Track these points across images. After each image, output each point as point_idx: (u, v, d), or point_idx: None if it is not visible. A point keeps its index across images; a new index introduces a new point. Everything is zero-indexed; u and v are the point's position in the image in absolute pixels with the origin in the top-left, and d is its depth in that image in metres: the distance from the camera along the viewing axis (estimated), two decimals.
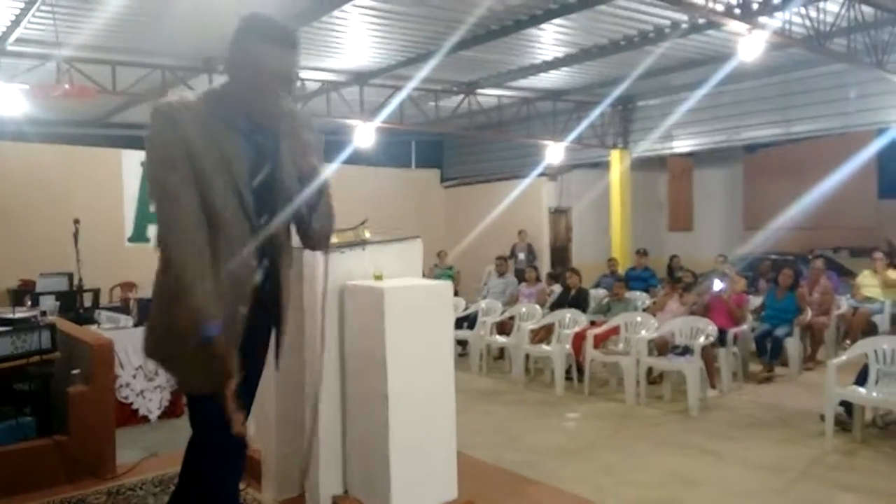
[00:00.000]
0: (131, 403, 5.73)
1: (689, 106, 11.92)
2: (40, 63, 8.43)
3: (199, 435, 2.30)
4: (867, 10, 7.97)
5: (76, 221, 6.37)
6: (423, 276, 4.04)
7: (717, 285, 7.58)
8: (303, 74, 10.17)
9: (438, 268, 12.02)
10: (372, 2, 7.42)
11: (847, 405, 5.40)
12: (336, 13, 7.50)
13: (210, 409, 2.11)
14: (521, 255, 13.84)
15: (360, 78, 10.49)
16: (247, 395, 2.29)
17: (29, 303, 6.25)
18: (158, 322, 2.22)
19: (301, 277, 3.35)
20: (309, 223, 2.31)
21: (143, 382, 5.76)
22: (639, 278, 10.59)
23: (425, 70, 9.81)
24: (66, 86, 7.54)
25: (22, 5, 7.15)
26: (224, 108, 2.15)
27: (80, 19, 7.50)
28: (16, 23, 7.59)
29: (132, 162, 11.44)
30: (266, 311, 2.32)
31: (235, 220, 2.14)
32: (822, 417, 5.39)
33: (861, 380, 5.36)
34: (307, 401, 3.37)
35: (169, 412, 5.88)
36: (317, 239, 2.39)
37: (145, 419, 5.77)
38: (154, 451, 4.48)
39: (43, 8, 6.98)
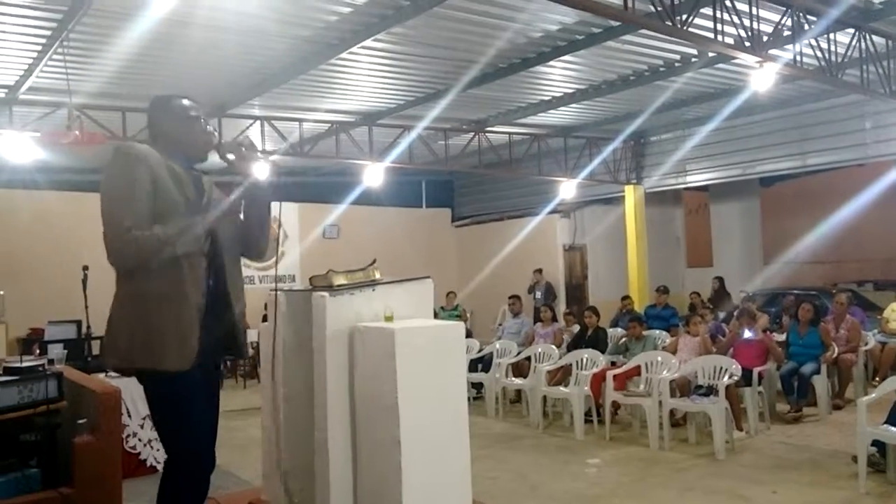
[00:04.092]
0: (139, 453, 5.60)
1: (701, 140, 11.87)
2: (51, 111, 8.51)
3: (171, 454, 2.75)
4: (879, 40, 7.92)
5: (85, 268, 6.32)
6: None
7: (747, 334, 7.39)
8: (311, 116, 10.23)
9: (445, 310, 11.87)
10: (380, 44, 7.45)
11: (880, 445, 5.20)
12: (344, 55, 7.53)
13: (182, 429, 2.69)
14: (539, 294, 13.68)
15: (369, 118, 10.53)
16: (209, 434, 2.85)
17: (37, 351, 6.18)
18: (118, 328, 2.70)
19: (309, 319, 3.26)
20: (259, 238, 2.97)
21: (150, 432, 5.62)
22: (659, 317, 10.39)
23: (435, 110, 9.83)
24: (77, 133, 7.57)
25: (34, 55, 7.25)
26: (168, 154, 2.77)
27: (91, 67, 7.59)
28: (28, 72, 7.70)
29: None
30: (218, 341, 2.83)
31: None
32: (854, 458, 5.19)
33: (893, 418, 5.16)
34: (317, 447, 3.25)
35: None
36: (262, 251, 3.02)
37: (153, 470, 5.61)
38: None
39: (55, 57, 7.06)
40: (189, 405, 2.71)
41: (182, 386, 2.66)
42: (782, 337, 8.38)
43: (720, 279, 14.02)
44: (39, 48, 7.05)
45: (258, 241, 2.99)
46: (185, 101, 2.89)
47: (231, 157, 2.84)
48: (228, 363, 10.58)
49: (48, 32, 6.67)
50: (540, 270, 14.15)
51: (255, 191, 2.89)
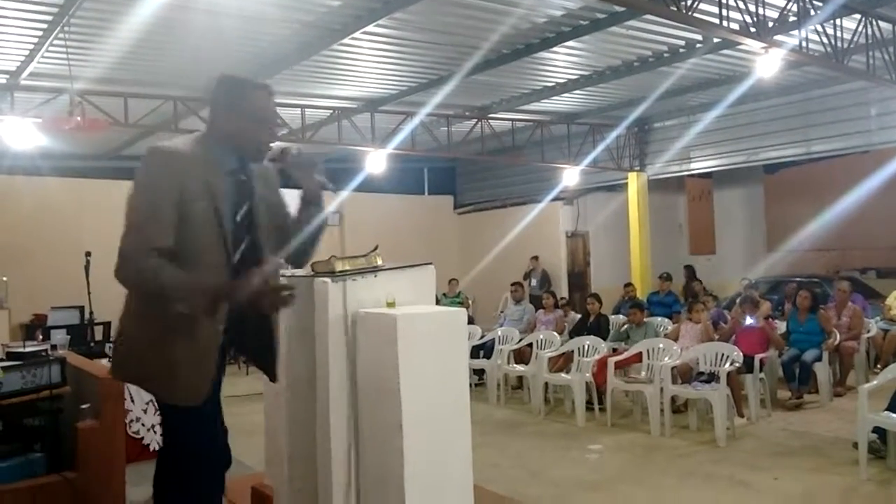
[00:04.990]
0: (142, 438, 5.62)
1: (705, 126, 11.82)
2: (53, 97, 8.50)
3: (182, 445, 2.52)
4: (885, 26, 7.86)
5: (87, 254, 6.33)
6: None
7: (749, 321, 7.40)
8: (313, 102, 10.20)
9: (447, 297, 11.89)
10: (382, 29, 7.42)
11: (881, 432, 5.21)
12: (346, 41, 7.50)
13: (194, 418, 2.44)
14: (534, 282, 13.68)
15: (372, 105, 10.50)
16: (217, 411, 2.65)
17: (40, 337, 6.21)
18: (130, 344, 2.49)
19: (311, 305, 3.25)
20: (306, 252, 2.76)
21: (153, 417, 5.64)
22: (661, 303, 10.39)
23: (437, 96, 9.79)
24: (78, 118, 7.56)
25: (35, 40, 7.22)
26: (217, 150, 2.48)
27: (93, 53, 7.56)
28: (30, 58, 7.67)
29: None
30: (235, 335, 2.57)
31: (214, 251, 2.44)
32: (855, 445, 5.20)
33: (894, 405, 5.16)
34: (319, 433, 3.25)
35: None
36: (307, 262, 2.89)
37: (156, 454, 5.64)
38: None
39: (56, 42, 7.03)
40: (200, 427, 2.51)
41: (196, 412, 2.47)
42: (784, 325, 8.38)
43: (690, 268, 14.02)
44: (41, 33, 7.02)
45: (306, 253, 2.79)
46: (259, 97, 2.53)
47: (298, 172, 2.60)
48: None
49: (49, 17, 6.64)
50: (536, 258, 14.15)
51: (314, 209, 2.67)
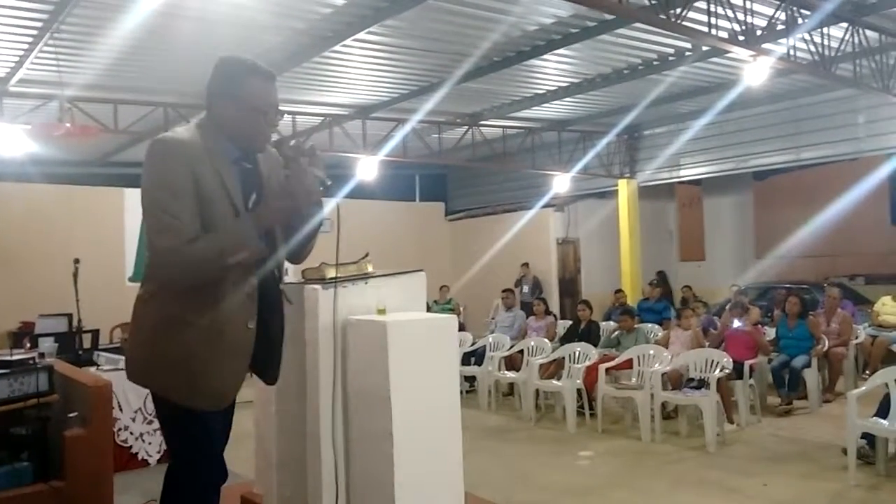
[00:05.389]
0: (130, 447, 5.59)
1: (695, 134, 11.88)
2: (43, 103, 8.46)
3: (180, 456, 2.46)
4: (872, 34, 7.93)
5: (76, 261, 6.29)
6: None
7: (737, 324, 7.43)
8: (305, 109, 10.19)
9: (438, 304, 11.88)
10: (373, 36, 7.42)
11: (869, 437, 5.24)
12: (337, 47, 7.51)
13: (191, 428, 2.36)
14: (526, 289, 13.69)
15: (363, 112, 10.50)
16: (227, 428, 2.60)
17: (28, 344, 6.16)
18: (151, 348, 2.35)
19: (301, 312, 3.24)
20: (305, 246, 2.62)
21: (142, 425, 5.62)
22: (652, 310, 10.41)
23: (429, 103, 9.81)
24: (68, 125, 7.53)
25: (25, 46, 7.19)
26: (218, 138, 2.36)
27: (83, 59, 7.53)
28: (19, 64, 7.64)
29: (134, 201, 11.31)
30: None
31: None
32: (844, 451, 5.23)
33: (883, 411, 5.21)
34: (309, 440, 3.24)
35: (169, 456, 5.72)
36: (305, 257, 2.74)
37: (144, 463, 5.62)
38: (153, 496, 4.27)
39: (45, 48, 7.01)
40: (205, 435, 2.43)
41: (205, 424, 2.39)
42: (773, 331, 8.41)
43: (661, 273, 14.05)
44: (31, 39, 6.99)
45: (303, 249, 2.65)
46: (256, 83, 2.39)
47: (293, 165, 2.42)
48: None
49: (39, 24, 6.61)
50: (527, 264, 14.16)
51: (308, 201, 2.46)
